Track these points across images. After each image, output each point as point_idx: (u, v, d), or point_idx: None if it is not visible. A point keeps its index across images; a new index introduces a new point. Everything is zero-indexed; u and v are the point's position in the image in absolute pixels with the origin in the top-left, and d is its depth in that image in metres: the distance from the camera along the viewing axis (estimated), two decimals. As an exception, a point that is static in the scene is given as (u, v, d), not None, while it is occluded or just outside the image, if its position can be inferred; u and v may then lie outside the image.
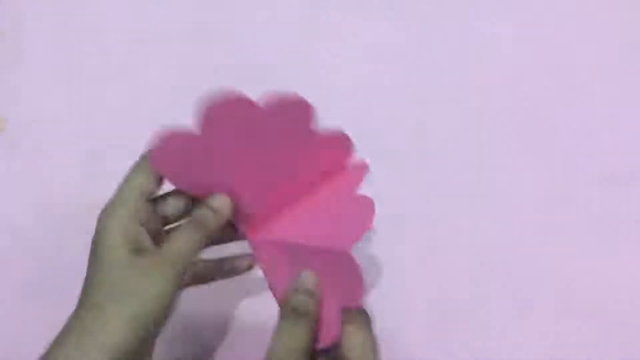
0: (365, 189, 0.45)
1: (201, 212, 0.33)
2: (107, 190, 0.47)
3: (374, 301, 0.41)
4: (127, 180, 0.33)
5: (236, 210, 0.34)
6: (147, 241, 0.32)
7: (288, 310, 0.31)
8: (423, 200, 0.44)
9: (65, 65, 0.50)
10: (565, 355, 0.40)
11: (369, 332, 0.31)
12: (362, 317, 0.31)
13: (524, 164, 0.44)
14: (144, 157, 0.34)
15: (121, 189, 0.33)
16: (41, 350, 0.29)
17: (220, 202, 0.33)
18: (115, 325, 0.29)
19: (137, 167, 0.34)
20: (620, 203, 0.43)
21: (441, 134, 0.46)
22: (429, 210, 0.44)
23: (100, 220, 0.32)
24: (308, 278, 0.32)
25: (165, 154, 0.32)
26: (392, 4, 0.50)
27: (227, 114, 0.31)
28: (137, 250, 0.31)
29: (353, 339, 0.31)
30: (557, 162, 0.44)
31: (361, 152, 0.42)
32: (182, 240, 0.32)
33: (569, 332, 0.40)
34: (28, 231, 0.45)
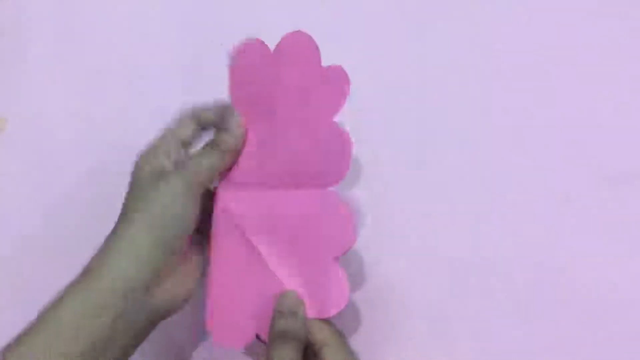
0: (364, 190, 0.45)
1: (222, 138, 0.35)
2: (107, 189, 0.47)
3: (374, 302, 0.42)
4: (168, 129, 0.36)
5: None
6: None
7: (276, 335, 0.32)
8: (423, 200, 0.44)
9: (65, 65, 0.50)
10: (565, 356, 0.40)
11: (348, 355, 0.33)
12: (340, 340, 0.33)
13: (524, 163, 0.44)
14: (182, 113, 0.37)
15: (163, 136, 0.36)
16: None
17: (235, 124, 0.36)
18: (142, 237, 0.32)
19: (179, 119, 0.36)
20: (621, 203, 0.43)
21: (440, 134, 0.46)
22: (429, 210, 0.44)
23: (137, 163, 0.35)
24: (289, 298, 0.33)
25: (243, 61, 0.36)
26: (392, 4, 0.50)
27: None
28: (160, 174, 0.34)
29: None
30: (558, 161, 0.44)
31: (361, 151, 0.42)
32: (200, 158, 0.35)
33: (569, 332, 0.40)
34: (28, 231, 0.45)
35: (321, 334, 0.33)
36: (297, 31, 0.35)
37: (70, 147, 0.47)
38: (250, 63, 0.36)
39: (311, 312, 0.33)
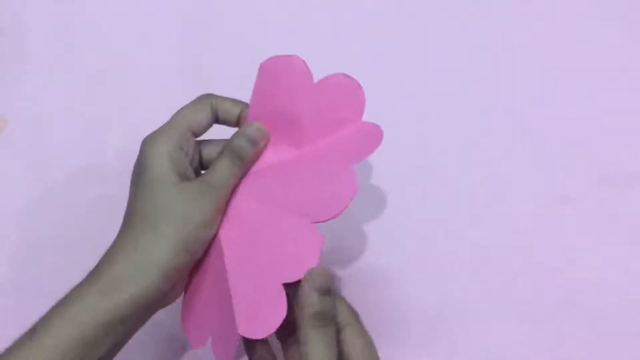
0: (364, 190, 0.45)
1: (238, 142, 0.34)
2: (107, 189, 0.47)
3: (373, 302, 0.42)
4: (177, 113, 0.35)
5: None
6: (190, 172, 0.34)
7: (311, 318, 0.29)
8: (422, 200, 0.44)
9: (65, 64, 0.50)
10: (565, 356, 0.40)
11: (368, 336, 0.31)
12: (359, 320, 0.31)
13: (524, 163, 0.44)
14: (201, 97, 0.35)
15: (171, 120, 0.34)
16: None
17: (255, 131, 0.34)
18: (169, 246, 0.30)
19: (190, 103, 0.35)
20: (620, 203, 0.43)
21: (440, 133, 0.46)
22: (428, 210, 0.44)
23: (145, 144, 0.33)
24: (321, 275, 0.30)
25: (271, 74, 0.34)
26: (392, 3, 0.50)
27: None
28: (183, 177, 0.32)
29: (355, 342, 0.30)
30: (558, 161, 0.44)
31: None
32: (222, 170, 0.33)
33: (568, 333, 0.40)
34: (28, 231, 0.45)
35: (342, 314, 0.31)
36: (347, 76, 0.34)
37: (70, 147, 0.47)
38: (283, 83, 0.35)
39: (241, 329, 0.31)
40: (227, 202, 0.34)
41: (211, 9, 0.51)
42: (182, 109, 0.35)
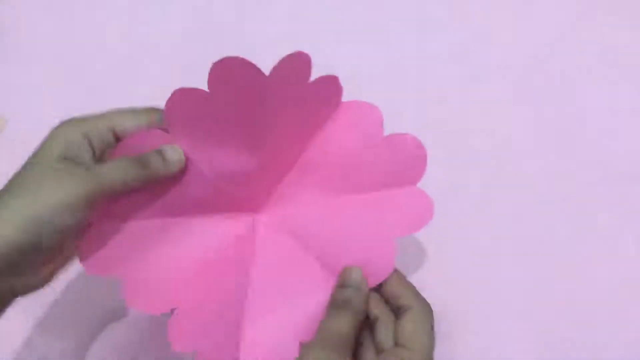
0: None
1: (150, 156, 0.32)
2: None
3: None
4: (113, 109, 0.34)
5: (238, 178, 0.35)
6: (87, 156, 0.31)
7: (337, 303, 0.32)
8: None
9: (65, 65, 0.50)
10: (565, 356, 0.40)
11: (424, 323, 0.31)
12: (391, 313, 0.32)
13: (524, 163, 0.44)
14: (148, 108, 0.34)
15: (100, 112, 0.33)
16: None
17: (171, 151, 0.33)
18: (6, 220, 0.28)
19: (132, 108, 0.34)
20: (624, 202, 0.43)
21: (440, 134, 0.46)
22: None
23: (58, 124, 0.32)
24: (356, 274, 0.33)
25: (178, 110, 0.32)
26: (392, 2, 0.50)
27: (232, 76, 0.32)
28: (69, 159, 0.30)
29: (405, 326, 0.31)
30: (561, 161, 0.44)
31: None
32: (117, 168, 0.31)
33: (569, 333, 0.40)
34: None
35: (378, 309, 0.32)
36: (416, 139, 0.35)
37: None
38: (359, 128, 0.35)
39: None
40: (113, 200, 0.32)
41: (211, 9, 0.51)
42: (122, 109, 0.34)
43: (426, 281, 0.42)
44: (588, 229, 0.42)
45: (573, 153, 0.44)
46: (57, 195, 0.29)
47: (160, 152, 0.33)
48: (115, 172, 0.31)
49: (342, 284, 0.33)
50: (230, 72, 0.31)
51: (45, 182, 0.29)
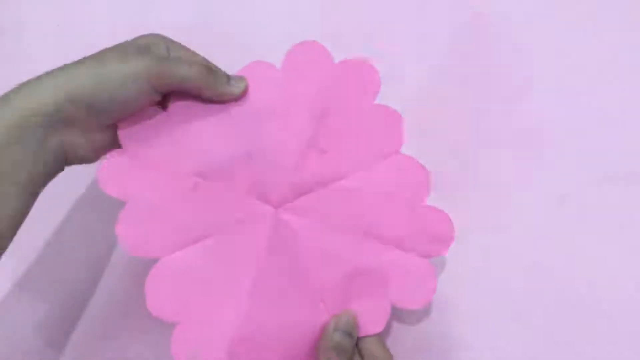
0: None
1: (220, 71, 0.35)
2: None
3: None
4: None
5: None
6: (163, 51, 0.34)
7: (329, 346, 0.32)
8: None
9: (66, 63, 0.50)
10: (565, 356, 0.40)
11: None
12: (387, 355, 0.34)
13: (524, 163, 0.44)
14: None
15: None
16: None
17: (240, 81, 0.35)
18: (71, 74, 0.32)
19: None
20: (620, 203, 0.43)
21: (440, 134, 0.46)
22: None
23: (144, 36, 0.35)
24: (347, 319, 0.33)
25: (133, 130, 0.34)
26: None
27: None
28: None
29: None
30: (558, 161, 0.44)
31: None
32: (186, 63, 0.33)
33: (569, 333, 0.40)
34: (28, 231, 0.45)
35: (370, 350, 0.34)
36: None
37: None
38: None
39: None
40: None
41: (211, 10, 0.51)
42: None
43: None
44: (588, 228, 0.42)
45: (573, 153, 0.44)
46: (120, 64, 0.31)
47: (228, 75, 0.34)
48: (182, 64, 0.33)
49: (336, 327, 0.33)
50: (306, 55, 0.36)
51: (113, 54, 0.32)
